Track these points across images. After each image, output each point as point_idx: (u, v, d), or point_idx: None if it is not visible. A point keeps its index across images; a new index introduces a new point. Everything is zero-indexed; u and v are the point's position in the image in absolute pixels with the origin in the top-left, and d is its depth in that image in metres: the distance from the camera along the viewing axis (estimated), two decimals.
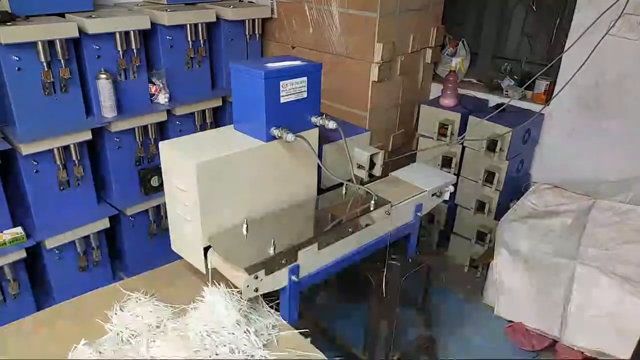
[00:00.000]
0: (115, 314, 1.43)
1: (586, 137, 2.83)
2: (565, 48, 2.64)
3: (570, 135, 2.88)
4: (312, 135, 1.64)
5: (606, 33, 2.47)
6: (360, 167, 1.93)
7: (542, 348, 2.49)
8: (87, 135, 2.13)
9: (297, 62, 1.55)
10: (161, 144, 1.49)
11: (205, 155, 1.40)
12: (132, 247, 2.50)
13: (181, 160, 1.42)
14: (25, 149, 1.96)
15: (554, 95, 2.82)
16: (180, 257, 1.66)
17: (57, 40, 1.95)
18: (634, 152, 2.68)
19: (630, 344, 2.10)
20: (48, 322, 1.43)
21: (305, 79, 1.54)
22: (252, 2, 2.89)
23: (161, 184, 2.44)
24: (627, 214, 2.40)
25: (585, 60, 2.46)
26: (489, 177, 2.80)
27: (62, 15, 2.10)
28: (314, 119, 1.62)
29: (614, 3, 2.38)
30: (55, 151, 2.06)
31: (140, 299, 1.49)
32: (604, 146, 2.78)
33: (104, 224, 2.27)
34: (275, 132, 1.51)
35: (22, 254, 2.04)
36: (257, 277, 1.38)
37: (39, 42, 1.91)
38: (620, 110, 2.68)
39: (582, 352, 2.29)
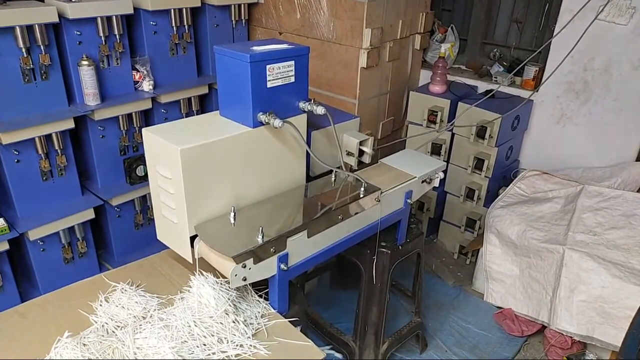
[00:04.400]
0: (100, 305, 1.41)
1: (575, 123, 2.83)
2: (554, 34, 2.62)
3: (558, 121, 2.88)
4: (300, 121, 1.61)
5: (595, 18, 2.46)
6: (349, 154, 1.91)
7: (531, 333, 2.51)
8: (70, 124, 2.08)
9: (284, 46, 1.52)
10: (144, 130, 1.45)
11: (190, 142, 1.36)
12: (118, 237, 2.45)
13: (165, 147, 1.38)
14: (5, 138, 1.90)
15: (542, 81, 2.81)
16: (166, 247, 1.63)
17: (36, 25, 1.89)
18: (622, 138, 2.69)
19: (620, 328, 2.13)
20: (31, 314, 1.40)
21: (292, 62, 1.51)
22: None
23: (147, 174, 2.39)
24: (616, 199, 2.40)
25: (574, 46, 2.45)
26: (479, 164, 2.79)
27: (41, 0, 2.04)
28: (302, 105, 1.59)
29: None
30: (37, 140, 2.01)
31: (125, 290, 1.46)
32: (592, 132, 2.78)
33: (89, 214, 2.23)
34: (262, 117, 1.48)
35: (5, 246, 1.99)
36: (245, 266, 1.36)
37: (17, 27, 1.84)
38: (609, 96, 2.68)
39: (572, 338, 2.30)
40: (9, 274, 2.09)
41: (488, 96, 2.72)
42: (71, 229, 2.21)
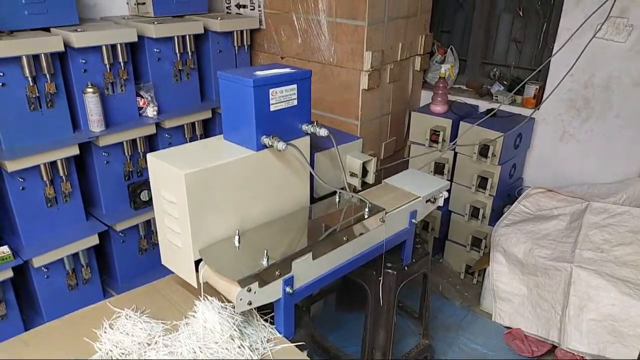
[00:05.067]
0: (105, 332, 1.39)
1: (577, 140, 2.84)
2: (554, 52, 2.65)
3: (561, 138, 2.89)
4: (304, 143, 1.62)
5: (593, 36, 2.49)
6: (352, 174, 1.91)
7: (541, 354, 2.46)
8: (75, 151, 2.09)
9: (287, 70, 1.54)
10: (149, 156, 1.45)
11: (195, 166, 1.37)
12: (122, 263, 2.45)
13: (169, 171, 1.39)
14: (11, 166, 1.92)
15: (543, 99, 2.83)
16: (171, 272, 1.62)
17: (42, 55, 1.92)
18: (625, 154, 2.69)
19: (632, 346, 2.09)
20: (35, 343, 1.38)
21: (295, 86, 1.52)
22: (240, 14, 2.89)
23: (151, 199, 2.39)
24: (622, 216, 2.39)
25: (574, 64, 2.47)
26: (482, 182, 2.79)
27: (47, 30, 2.08)
28: (304, 127, 1.60)
29: (600, 6, 2.40)
30: (42, 167, 2.02)
31: (130, 316, 1.45)
32: (595, 149, 2.78)
33: (93, 240, 2.22)
34: (265, 140, 1.48)
35: (9, 274, 1.98)
36: (250, 290, 1.34)
37: (24, 57, 1.87)
38: (611, 113, 2.69)
39: (583, 357, 2.26)
40: (13, 302, 2.08)
41: (489, 115, 2.73)
42: (75, 255, 2.20)
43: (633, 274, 2.22)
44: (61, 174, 2.09)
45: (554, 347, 2.41)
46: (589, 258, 2.31)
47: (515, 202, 2.77)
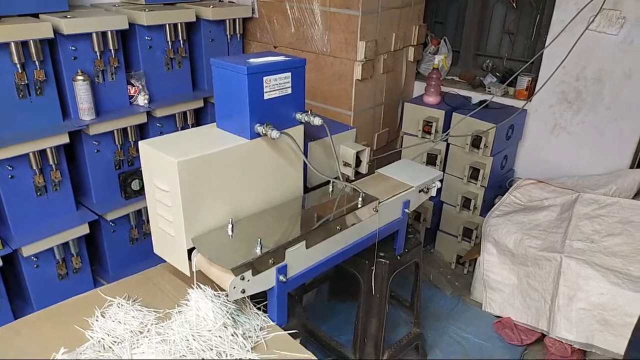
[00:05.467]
0: (96, 320, 1.38)
1: (568, 132, 2.85)
2: (546, 44, 2.66)
3: (552, 130, 2.90)
4: (297, 132, 1.61)
5: (586, 28, 2.50)
6: (346, 164, 1.91)
7: (531, 342, 2.49)
8: (65, 139, 2.06)
9: (281, 58, 1.53)
10: (141, 143, 1.44)
11: (187, 154, 1.36)
12: (113, 252, 2.43)
13: (162, 159, 1.37)
14: None
15: (535, 91, 2.84)
16: (162, 262, 1.61)
17: (31, 41, 1.89)
18: (615, 146, 2.72)
19: (620, 335, 2.12)
20: (26, 331, 1.37)
21: (289, 74, 1.51)
22: (232, 2, 2.86)
23: (142, 188, 2.39)
24: (612, 207, 2.41)
25: (566, 56, 2.48)
26: (474, 173, 2.80)
27: (36, 16, 2.04)
28: (298, 116, 1.59)
29: None
30: (31, 156, 1.99)
31: (122, 305, 1.44)
32: (586, 140, 2.80)
33: (84, 229, 2.20)
34: (259, 129, 1.48)
35: None
36: (243, 278, 1.34)
37: (12, 43, 1.84)
38: (602, 105, 2.71)
39: (571, 346, 2.29)
40: (2, 292, 2.06)
41: (482, 106, 2.74)
42: (65, 245, 2.18)
43: (622, 264, 2.24)
44: (51, 162, 2.07)
45: (543, 335, 2.44)
46: (578, 248, 2.34)
47: (507, 193, 2.79)
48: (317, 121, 1.58)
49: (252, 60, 1.47)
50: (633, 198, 2.50)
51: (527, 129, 3.00)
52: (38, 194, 2.08)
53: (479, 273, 2.71)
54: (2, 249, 1.96)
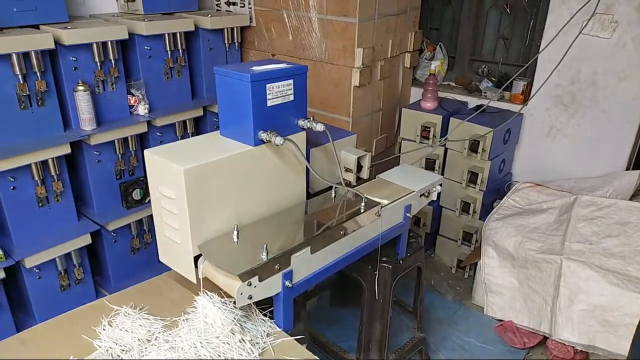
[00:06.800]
0: (104, 329, 1.38)
1: (564, 135, 2.89)
2: (541, 48, 2.69)
3: (548, 133, 2.94)
4: (300, 138, 1.62)
5: (579, 33, 2.54)
6: (347, 170, 1.92)
7: (533, 345, 2.50)
8: (66, 149, 2.07)
9: (283, 65, 1.54)
10: (146, 152, 1.45)
11: (193, 161, 1.37)
12: (115, 263, 2.42)
13: (168, 167, 1.38)
14: (1, 165, 1.88)
15: (531, 95, 2.87)
16: (165, 271, 1.62)
17: (32, 52, 1.90)
18: (611, 148, 2.75)
19: (621, 335, 2.13)
20: (32, 342, 1.37)
21: (291, 81, 1.53)
22: (230, 11, 2.88)
23: (143, 197, 2.39)
24: (609, 208, 2.44)
25: (561, 60, 2.52)
26: (472, 177, 2.82)
27: (36, 27, 2.05)
28: (301, 122, 1.61)
29: (586, 3, 2.44)
30: (33, 166, 1.99)
31: (129, 313, 1.44)
32: (582, 143, 2.84)
33: (86, 240, 2.20)
34: (263, 135, 1.49)
35: (0, 275, 1.95)
36: (250, 284, 1.35)
37: (14, 54, 1.85)
38: (597, 108, 2.74)
39: (574, 347, 2.30)
40: (4, 303, 2.05)
41: (479, 111, 2.76)
42: (67, 256, 2.18)
43: (621, 265, 2.27)
44: (52, 173, 2.07)
45: (546, 338, 2.45)
46: (578, 250, 2.36)
47: (505, 197, 2.81)
48: (319, 127, 1.59)
49: (255, 68, 1.49)
50: (630, 199, 2.53)
51: (523, 133, 3.03)
52: (40, 204, 2.08)
53: (480, 277, 2.72)
54: (4, 260, 1.95)
